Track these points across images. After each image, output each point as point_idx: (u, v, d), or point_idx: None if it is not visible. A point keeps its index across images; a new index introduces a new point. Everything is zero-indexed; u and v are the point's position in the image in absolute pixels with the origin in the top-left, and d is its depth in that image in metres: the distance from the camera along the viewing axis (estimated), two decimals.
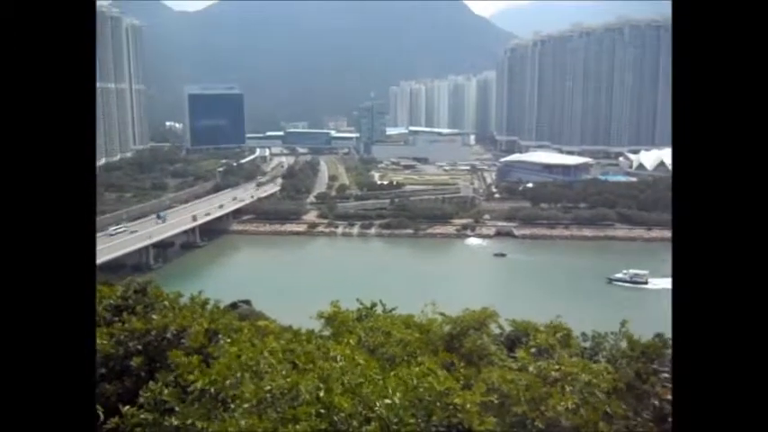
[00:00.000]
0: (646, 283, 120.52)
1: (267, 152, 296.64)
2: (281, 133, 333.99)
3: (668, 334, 10.39)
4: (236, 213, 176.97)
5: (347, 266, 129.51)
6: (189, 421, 6.22)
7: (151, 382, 7.16)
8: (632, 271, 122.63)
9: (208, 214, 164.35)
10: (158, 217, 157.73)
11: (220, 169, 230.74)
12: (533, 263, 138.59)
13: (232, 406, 6.69)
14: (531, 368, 7.72)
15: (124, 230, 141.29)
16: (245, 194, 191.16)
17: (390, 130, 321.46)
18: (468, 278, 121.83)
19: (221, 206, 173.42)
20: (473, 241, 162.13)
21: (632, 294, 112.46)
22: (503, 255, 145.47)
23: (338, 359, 7.18)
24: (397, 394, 6.65)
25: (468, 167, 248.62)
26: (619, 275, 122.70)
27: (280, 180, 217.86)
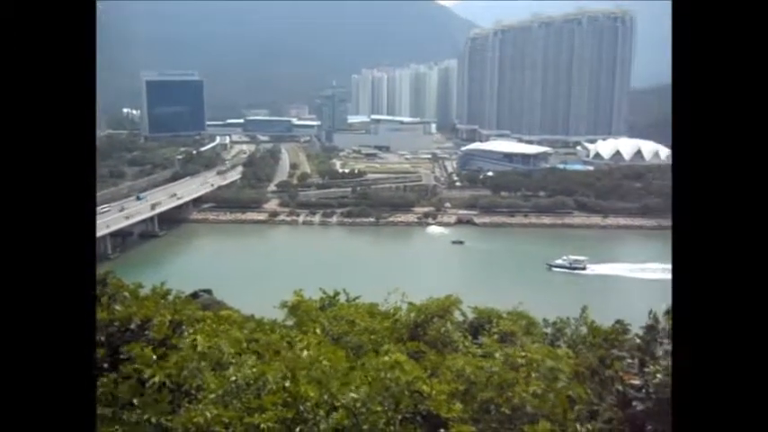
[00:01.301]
0: (584, 268, 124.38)
1: (227, 140, 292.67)
2: (241, 121, 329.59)
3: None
4: (196, 202, 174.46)
5: (309, 255, 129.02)
6: (146, 416, 6.11)
7: (106, 376, 7.01)
8: (572, 257, 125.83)
9: (178, 197, 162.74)
10: (138, 198, 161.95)
11: (179, 157, 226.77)
12: (488, 250, 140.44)
13: (198, 397, 6.61)
14: (497, 355, 7.80)
15: None
16: (205, 183, 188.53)
17: (352, 119, 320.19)
18: (425, 265, 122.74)
19: (174, 195, 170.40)
20: (434, 229, 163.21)
21: (570, 279, 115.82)
22: (460, 242, 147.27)
23: (304, 349, 7.14)
24: (364, 383, 6.66)
25: (429, 156, 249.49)
26: (559, 261, 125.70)
27: (240, 168, 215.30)
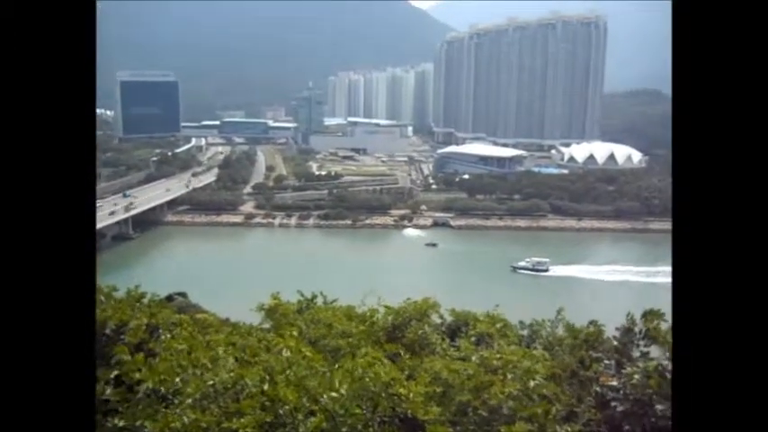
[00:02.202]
0: (547, 270, 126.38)
1: (203, 142, 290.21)
2: (217, 122, 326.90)
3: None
4: (171, 204, 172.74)
5: (286, 258, 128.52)
6: (138, 422, 6.06)
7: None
8: (535, 259, 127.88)
9: (171, 189, 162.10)
10: (124, 195, 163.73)
11: (154, 159, 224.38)
12: (461, 252, 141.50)
13: (175, 402, 6.56)
14: (473, 357, 7.85)
15: None
16: (180, 185, 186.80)
17: (329, 121, 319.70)
18: (398, 267, 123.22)
19: (141, 198, 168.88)
20: (410, 232, 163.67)
21: (532, 281, 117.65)
22: (434, 245, 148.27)
23: (282, 352, 7.13)
24: (343, 386, 6.66)
25: (405, 159, 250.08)
26: (522, 263, 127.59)
27: (216, 170, 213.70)
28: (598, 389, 7.37)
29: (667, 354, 7.62)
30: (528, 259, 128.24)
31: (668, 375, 6.99)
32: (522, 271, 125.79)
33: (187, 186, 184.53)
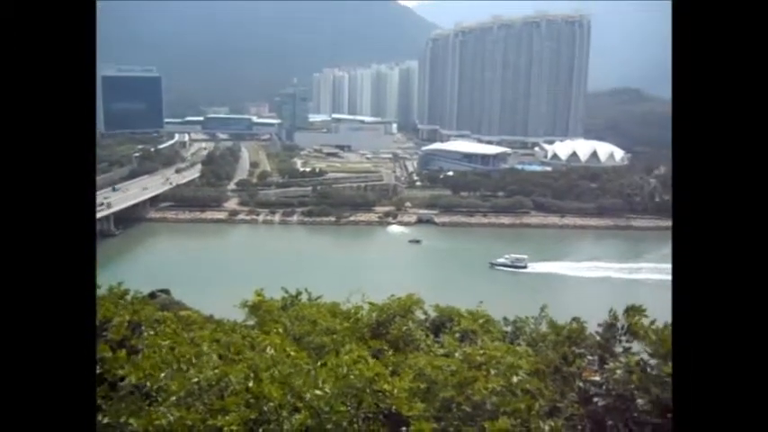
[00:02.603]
0: (525, 267, 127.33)
1: (186, 138, 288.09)
2: (201, 118, 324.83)
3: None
4: (154, 200, 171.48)
5: (269, 254, 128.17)
6: (122, 419, 6.02)
7: None
8: (513, 255, 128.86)
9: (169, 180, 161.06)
10: (114, 189, 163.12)
11: (137, 155, 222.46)
12: (443, 249, 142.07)
13: (159, 399, 6.53)
14: (457, 353, 7.89)
15: None
16: (162, 181, 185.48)
17: (313, 117, 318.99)
18: (380, 264, 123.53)
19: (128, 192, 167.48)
20: (395, 229, 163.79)
21: (511, 278, 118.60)
22: (417, 241, 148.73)
23: (267, 349, 7.12)
24: (328, 384, 6.67)
25: (390, 156, 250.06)
26: (501, 260, 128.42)
27: (199, 166, 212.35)
28: (581, 384, 7.44)
29: (647, 349, 7.72)
30: (507, 256, 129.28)
31: (649, 370, 7.09)
32: (501, 268, 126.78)
33: (170, 183, 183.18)
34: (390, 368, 7.90)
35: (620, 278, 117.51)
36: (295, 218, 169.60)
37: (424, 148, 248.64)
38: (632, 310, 8.31)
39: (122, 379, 6.69)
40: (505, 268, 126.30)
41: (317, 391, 6.53)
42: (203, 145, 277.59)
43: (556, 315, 10.61)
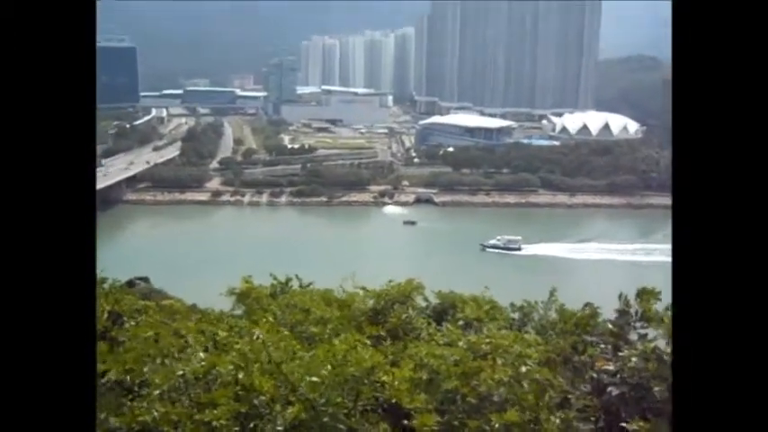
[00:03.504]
0: (519, 249, 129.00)
1: (164, 113, 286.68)
2: (179, 92, 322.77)
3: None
4: (130, 181, 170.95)
5: (256, 238, 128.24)
6: (102, 416, 6.07)
7: None
8: (506, 237, 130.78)
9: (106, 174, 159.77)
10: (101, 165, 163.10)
11: (112, 131, 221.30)
12: (441, 231, 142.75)
13: (142, 393, 6.58)
14: (461, 342, 7.95)
15: None
16: (140, 160, 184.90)
17: (302, 89, 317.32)
18: (371, 247, 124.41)
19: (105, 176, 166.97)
20: (391, 209, 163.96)
21: (503, 261, 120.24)
22: (412, 223, 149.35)
23: (257, 338, 7.17)
24: (324, 372, 6.72)
25: (385, 130, 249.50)
26: (493, 242, 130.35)
27: (179, 144, 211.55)
28: (594, 374, 7.51)
29: (660, 331, 7.79)
30: (499, 237, 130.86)
31: (666, 358, 7.15)
32: (492, 250, 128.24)
33: (147, 163, 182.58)
34: (389, 358, 7.96)
35: (626, 260, 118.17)
36: (283, 198, 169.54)
37: (422, 121, 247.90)
38: (646, 294, 8.35)
39: (103, 374, 6.74)
40: (497, 250, 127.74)
41: (313, 379, 6.58)
42: (183, 120, 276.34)
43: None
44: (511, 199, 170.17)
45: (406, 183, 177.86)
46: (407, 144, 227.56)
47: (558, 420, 6.73)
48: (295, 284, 13.51)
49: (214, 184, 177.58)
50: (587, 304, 10.42)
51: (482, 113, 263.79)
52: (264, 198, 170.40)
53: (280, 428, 6.37)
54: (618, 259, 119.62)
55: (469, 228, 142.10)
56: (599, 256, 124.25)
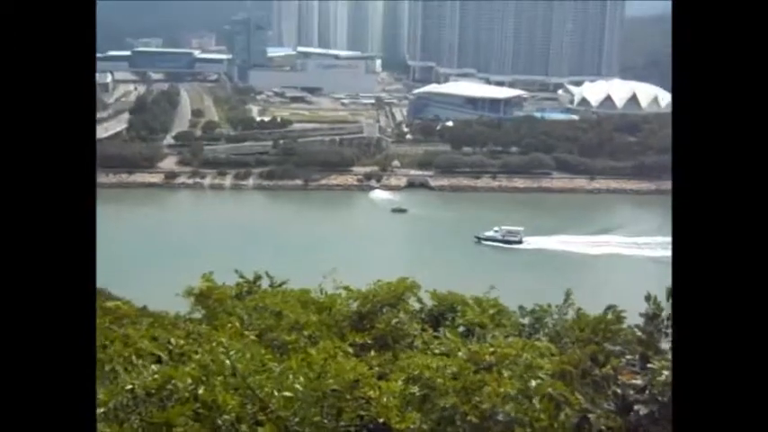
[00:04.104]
0: (520, 242, 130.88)
1: (109, 78, 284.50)
2: (127, 53, 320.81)
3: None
4: None
5: (219, 228, 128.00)
6: None
7: None
8: (505, 228, 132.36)
9: None
10: None
11: None
12: (435, 220, 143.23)
13: None
14: (461, 352, 8.00)
15: None
16: None
17: (273, 52, 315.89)
18: (358, 240, 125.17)
19: None
20: (378, 195, 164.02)
21: (500, 256, 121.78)
22: (402, 210, 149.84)
23: (220, 346, 7.18)
24: (298, 386, 6.74)
25: (372, 101, 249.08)
26: (489, 234, 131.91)
27: (126, 115, 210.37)
28: (618, 389, 7.57)
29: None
30: (497, 228, 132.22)
31: None
32: (489, 243, 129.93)
33: None
34: (377, 370, 7.99)
35: (653, 256, 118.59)
36: (251, 181, 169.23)
37: (417, 90, 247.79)
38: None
39: None
40: (495, 244, 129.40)
41: (286, 394, 6.60)
42: (131, 87, 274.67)
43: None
44: (521, 183, 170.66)
45: (396, 163, 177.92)
46: (399, 117, 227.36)
47: None
48: (265, 283, 13.55)
49: (168, 163, 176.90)
50: (610, 307, 10.50)
51: (487, 82, 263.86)
52: (228, 181, 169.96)
53: None
54: (642, 255, 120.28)
55: (471, 217, 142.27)
56: (619, 251, 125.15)
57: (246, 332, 9.07)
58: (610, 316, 9.73)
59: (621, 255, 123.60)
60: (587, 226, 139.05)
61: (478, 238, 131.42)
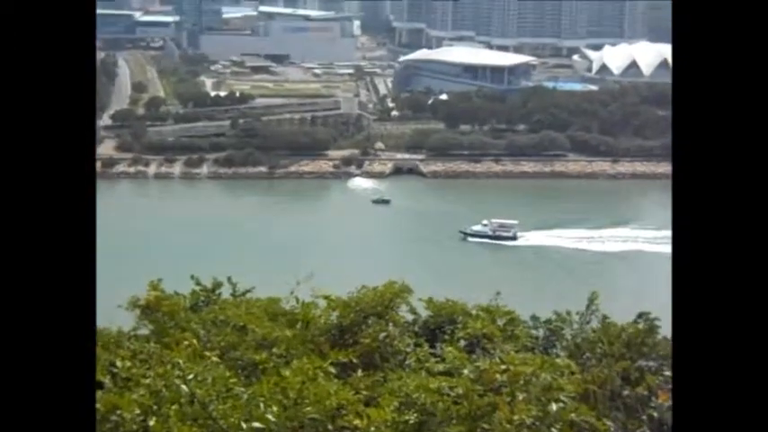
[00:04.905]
0: (514, 238, 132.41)
1: None
2: None
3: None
4: None
5: (168, 226, 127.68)
6: None
7: None
8: (496, 221, 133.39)
9: None
10: None
11: None
12: (422, 213, 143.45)
13: None
14: (465, 370, 8.00)
15: None
16: None
17: (229, 12, 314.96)
18: (336, 238, 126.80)
19: None
20: (359, 183, 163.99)
21: (488, 255, 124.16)
22: (385, 202, 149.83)
23: (174, 368, 7.15)
24: (270, 415, 6.73)
25: (350, 71, 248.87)
26: (477, 228, 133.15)
27: None
28: (654, 412, 7.59)
29: None
30: (486, 222, 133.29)
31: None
32: (476, 239, 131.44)
33: None
34: (364, 394, 7.99)
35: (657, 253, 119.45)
36: (205, 169, 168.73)
37: (404, 58, 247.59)
38: None
39: None
40: (483, 240, 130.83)
41: (255, 424, 6.60)
42: None
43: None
44: (529, 167, 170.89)
45: (380, 146, 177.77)
46: (382, 90, 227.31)
47: None
48: (225, 292, 13.54)
49: (105, 148, 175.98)
50: (641, 315, 10.55)
51: (488, 46, 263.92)
52: (177, 169, 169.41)
53: None
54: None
55: (468, 209, 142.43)
56: (640, 247, 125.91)
57: (205, 351, 9.06)
58: (641, 325, 9.77)
59: (643, 251, 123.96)
60: (604, 218, 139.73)
61: (464, 234, 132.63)
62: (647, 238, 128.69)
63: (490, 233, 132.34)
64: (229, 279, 13.66)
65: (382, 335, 10.56)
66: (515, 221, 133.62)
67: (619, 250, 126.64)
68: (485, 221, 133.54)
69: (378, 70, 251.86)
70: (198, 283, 13.45)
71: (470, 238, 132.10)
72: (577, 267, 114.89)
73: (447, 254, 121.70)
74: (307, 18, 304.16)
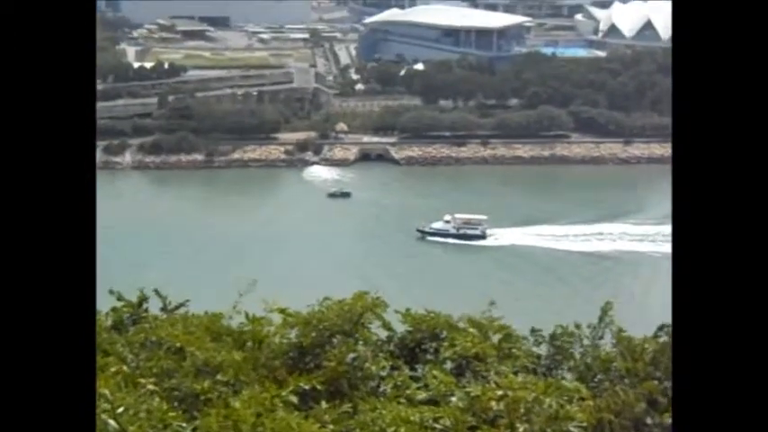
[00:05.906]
0: (483, 236, 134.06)
1: None
2: None
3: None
4: None
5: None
6: None
7: None
8: (460, 217, 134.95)
9: None
10: None
11: None
12: (386, 207, 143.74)
13: None
14: (454, 397, 8.03)
15: None
16: None
17: None
18: (294, 239, 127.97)
19: None
20: (317, 172, 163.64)
21: (451, 257, 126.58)
22: (345, 195, 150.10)
23: (101, 400, 7.15)
24: None
25: (305, 35, 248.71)
26: (438, 225, 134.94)
27: None
28: None
29: None
30: (448, 218, 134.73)
31: None
32: (436, 238, 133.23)
33: None
34: (330, 429, 8.01)
35: (653, 253, 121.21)
36: (128, 157, 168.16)
37: (370, 19, 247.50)
38: None
39: None
40: (445, 240, 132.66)
41: None
42: None
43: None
44: (524, 151, 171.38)
45: (343, 127, 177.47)
46: (345, 59, 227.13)
47: None
48: (155, 306, 13.53)
49: None
50: (662, 327, 10.63)
51: (474, 4, 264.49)
52: (96, 157, 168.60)
53: None
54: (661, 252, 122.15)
55: (445, 202, 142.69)
56: (631, 247, 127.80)
57: (134, 379, 9.04)
58: (663, 339, 9.85)
59: (634, 251, 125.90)
60: (600, 210, 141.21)
61: (422, 233, 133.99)
62: (639, 235, 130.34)
63: (453, 231, 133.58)
64: (157, 292, 13.64)
65: (351, 356, 10.57)
66: (484, 216, 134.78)
67: (609, 249, 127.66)
68: (447, 217, 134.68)
69: (338, 35, 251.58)
70: (120, 298, 13.42)
71: (429, 237, 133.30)
72: (546, 271, 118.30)
73: (393, 256, 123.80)
74: None
